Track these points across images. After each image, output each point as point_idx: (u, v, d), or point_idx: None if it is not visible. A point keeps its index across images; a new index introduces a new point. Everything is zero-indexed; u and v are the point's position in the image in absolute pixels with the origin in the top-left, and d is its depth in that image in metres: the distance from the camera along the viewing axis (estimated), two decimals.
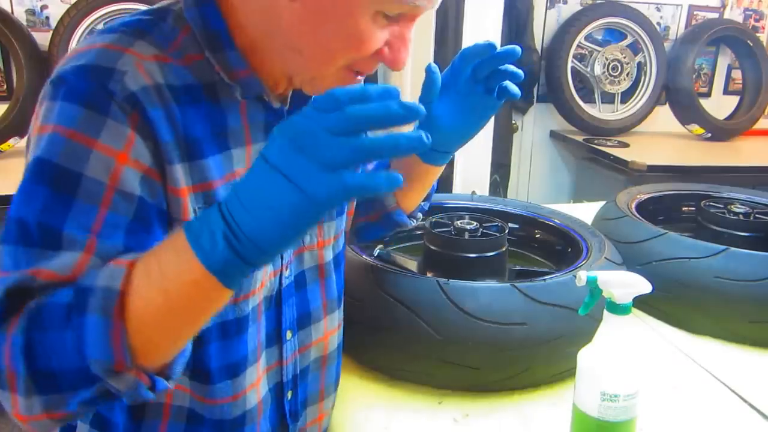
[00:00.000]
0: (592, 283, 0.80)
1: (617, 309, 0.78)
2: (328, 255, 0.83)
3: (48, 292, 0.54)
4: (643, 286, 0.79)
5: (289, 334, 0.79)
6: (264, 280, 0.73)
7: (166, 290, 0.52)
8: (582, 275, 0.81)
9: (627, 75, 3.22)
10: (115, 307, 0.51)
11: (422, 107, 0.49)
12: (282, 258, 0.75)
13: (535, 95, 3.27)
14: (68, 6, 2.48)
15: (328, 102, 0.48)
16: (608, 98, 3.26)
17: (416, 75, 2.50)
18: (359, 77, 0.69)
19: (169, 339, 0.55)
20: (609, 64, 3.18)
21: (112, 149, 0.58)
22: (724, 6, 3.37)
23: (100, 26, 2.50)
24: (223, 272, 0.51)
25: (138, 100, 0.59)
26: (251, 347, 0.73)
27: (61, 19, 2.46)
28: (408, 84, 2.57)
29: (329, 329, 0.86)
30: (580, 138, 3.15)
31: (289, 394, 0.82)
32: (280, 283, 0.76)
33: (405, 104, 0.48)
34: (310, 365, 0.84)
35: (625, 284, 0.79)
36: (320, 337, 0.84)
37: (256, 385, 0.76)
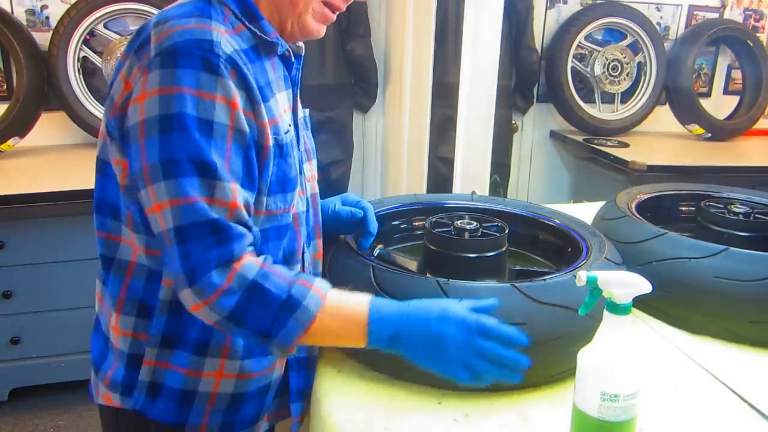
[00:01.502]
0: (592, 283, 0.80)
1: (617, 309, 0.78)
2: (315, 188, 1.04)
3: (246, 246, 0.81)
4: (644, 286, 0.79)
5: (304, 248, 1.00)
6: (296, 199, 0.94)
7: (335, 333, 0.84)
8: (582, 275, 0.81)
9: (627, 75, 3.22)
10: (309, 324, 0.81)
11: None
12: (301, 184, 0.96)
13: (535, 95, 3.27)
14: (68, 6, 2.48)
15: (488, 332, 0.82)
16: (608, 98, 3.26)
17: (416, 75, 2.50)
18: (333, 15, 0.92)
19: (308, 344, 0.88)
20: (609, 64, 3.18)
21: (227, 99, 0.79)
22: (724, 6, 3.37)
23: (100, 26, 2.51)
24: (374, 346, 0.84)
25: (234, 60, 0.80)
26: (295, 247, 0.96)
27: (61, 19, 2.46)
28: (408, 85, 2.57)
29: (319, 251, 1.05)
30: (579, 138, 3.15)
31: None
32: (304, 204, 0.98)
33: (520, 359, 0.84)
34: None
35: (625, 284, 0.79)
36: (315, 254, 1.04)
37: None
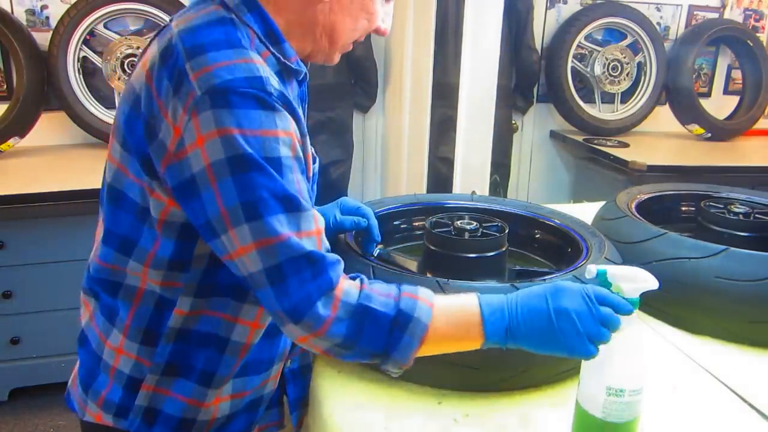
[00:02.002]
0: (602, 276, 0.80)
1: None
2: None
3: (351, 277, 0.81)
4: (651, 282, 0.80)
5: None
6: None
7: (450, 338, 0.81)
8: (592, 268, 0.81)
9: (627, 75, 3.22)
10: (423, 336, 0.78)
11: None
12: None
13: (535, 95, 3.27)
14: (68, 6, 2.48)
15: (604, 300, 0.79)
16: (608, 98, 3.26)
17: (416, 75, 2.50)
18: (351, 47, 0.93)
19: (425, 354, 0.81)
20: (609, 64, 3.18)
21: (287, 131, 0.77)
22: (724, 6, 3.37)
23: (100, 26, 2.51)
24: (493, 342, 0.80)
25: (284, 95, 0.78)
26: None
27: (61, 19, 2.46)
28: (408, 85, 2.57)
29: None
30: (579, 138, 3.15)
31: None
32: None
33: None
34: None
35: (634, 279, 0.79)
36: None
37: None
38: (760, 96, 3.28)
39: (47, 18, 2.55)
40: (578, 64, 3.19)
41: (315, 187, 0.94)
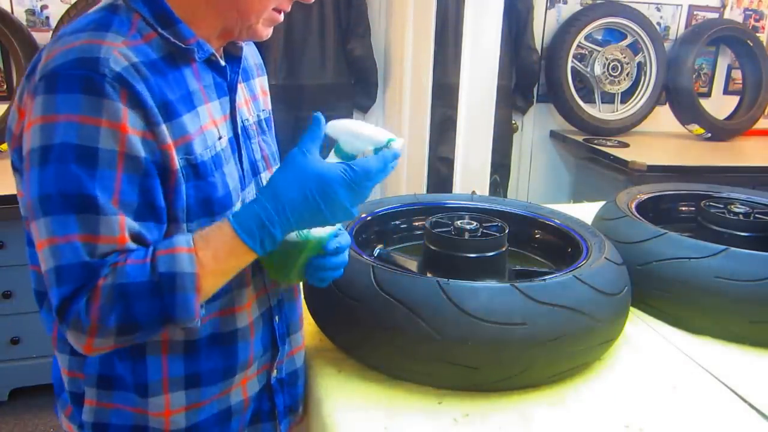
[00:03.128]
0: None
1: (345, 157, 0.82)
2: None
3: (113, 261, 0.72)
4: (380, 138, 0.82)
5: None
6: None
7: (223, 267, 0.76)
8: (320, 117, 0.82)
9: (627, 75, 3.22)
10: (195, 284, 0.73)
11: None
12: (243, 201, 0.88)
13: (535, 95, 3.27)
14: (68, 6, 2.48)
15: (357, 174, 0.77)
16: (608, 98, 3.26)
17: (416, 75, 2.50)
18: (281, 17, 0.87)
19: (215, 290, 0.78)
20: (609, 64, 3.18)
21: (115, 123, 0.72)
22: (724, 6, 3.37)
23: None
24: (260, 246, 0.76)
25: (123, 77, 0.72)
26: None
27: (61, 19, 2.46)
28: (408, 85, 2.57)
29: None
30: (580, 138, 3.15)
31: (276, 318, 0.95)
32: None
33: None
34: (284, 295, 0.97)
35: (358, 136, 0.82)
36: None
37: (246, 307, 0.90)
38: (760, 96, 3.28)
39: (47, 18, 2.55)
40: (578, 64, 3.19)
41: (237, 170, 0.87)
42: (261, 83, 1.02)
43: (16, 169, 0.80)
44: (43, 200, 0.71)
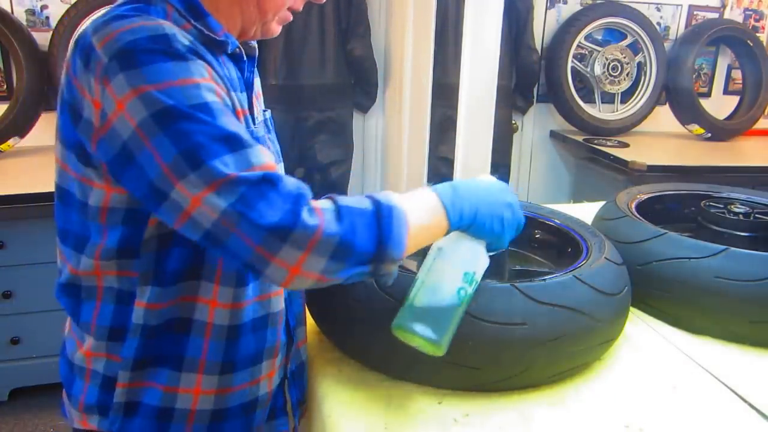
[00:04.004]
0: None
1: None
2: None
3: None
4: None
5: None
6: None
7: (424, 225, 0.81)
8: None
9: (627, 75, 3.22)
10: (407, 221, 0.77)
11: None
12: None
13: (535, 95, 3.27)
14: (68, 6, 2.48)
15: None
16: (608, 98, 3.26)
17: (416, 75, 2.50)
18: (291, 16, 0.91)
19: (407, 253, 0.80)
20: (609, 64, 3.18)
21: (206, 78, 0.74)
22: (724, 6, 3.37)
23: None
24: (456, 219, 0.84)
25: (195, 48, 0.75)
26: None
27: (61, 19, 2.46)
28: (408, 85, 2.57)
29: None
30: (580, 138, 3.15)
31: (287, 310, 0.97)
32: None
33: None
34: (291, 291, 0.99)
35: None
36: None
37: (280, 292, 0.93)
38: (760, 96, 3.28)
39: (47, 18, 2.55)
40: (578, 64, 3.19)
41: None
42: (257, 85, 1.04)
43: (94, 164, 0.78)
44: (188, 154, 0.69)
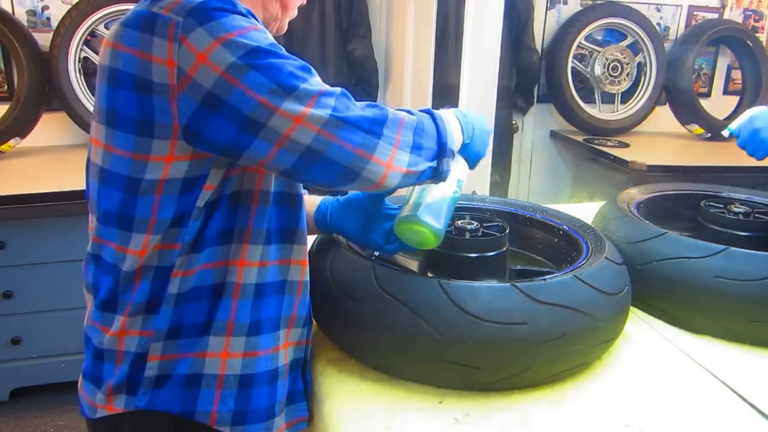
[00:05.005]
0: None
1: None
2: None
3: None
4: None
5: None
6: None
7: (454, 133, 0.95)
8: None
9: (627, 75, 3.22)
10: (451, 127, 0.94)
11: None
12: None
13: (535, 95, 3.27)
14: (69, 7, 2.49)
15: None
16: (608, 98, 3.26)
17: (417, 76, 2.50)
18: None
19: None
20: (609, 64, 3.19)
21: (268, 33, 0.82)
22: (723, 6, 3.37)
23: (101, 27, 2.51)
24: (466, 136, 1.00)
25: (255, 16, 0.84)
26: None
27: (62, 19, 2.47)
28: (408, 86, 2.57)
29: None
30: (580, 138, 3.15)
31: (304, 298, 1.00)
32: None
33: None
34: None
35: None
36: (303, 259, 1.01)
37: (303, 264, 0.97)
38: (760, 96, 3.28)
39: (48, 18, 2.56)
40: (578, 64, 3.19)
41: None
42: None
43: (150, 122, 0.80)
44: (283, 83, 0.77)
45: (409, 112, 0.89)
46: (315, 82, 0.80)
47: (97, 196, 0.88)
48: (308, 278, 0.98)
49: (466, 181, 1.04)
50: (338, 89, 0.82)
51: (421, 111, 0.92)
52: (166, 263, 0.86)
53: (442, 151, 0.90)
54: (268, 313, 0.93)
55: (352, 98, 0.84)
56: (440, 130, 0.90)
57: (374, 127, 0.82)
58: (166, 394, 0.89)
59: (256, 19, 0.83)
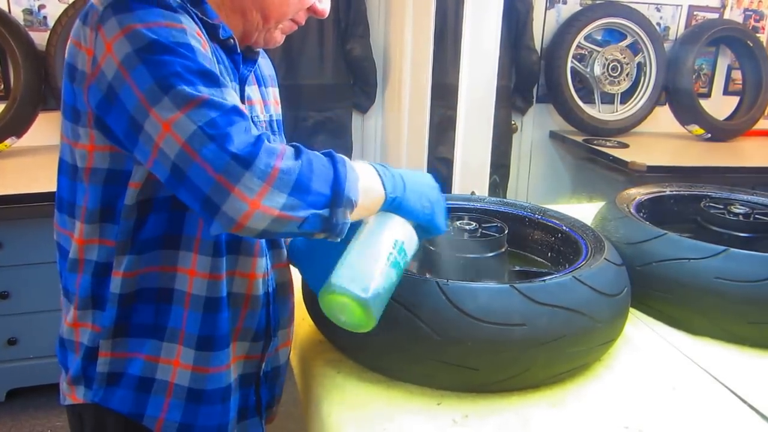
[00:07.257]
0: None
1: None
2: None
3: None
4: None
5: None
6: None
7: (367, 186, 0.81)
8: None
9: (627, 75, 3.22)
10: (355, 174, 0.78)
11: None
12: None
13: (534, 95, 3.27)
14: (66, 6, 2.48)
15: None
16: (608, 99, 3.26)
17: (416, 75, 2.50)
18: (296, 27, 0.95)
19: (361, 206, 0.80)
20: (609, 64, 3.18)
21: (194, 29, 0.76)
22: (724, 6, 3.37)
23: None
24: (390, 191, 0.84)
25: (186, 8, 0.77)
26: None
27: (59, 18, 2.46)
28: (407, 85, 2.56)
29: (284, 261, 1.02)
30: (579, 138, 3.15)
31: (269, 307, 0.97)
32: None
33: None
34: (277, 287, 0.99)
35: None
36: (281, 263, 1.00)
37: (260, 276, 0.94)
38: (760, 96, 3.28)
39: (45, 18, 2.55)
40: (578, 64, 3.19)
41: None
42: (274, 93, 1.07)
43: (81, 111, 0.79)
44: (162, 81, 0.70)
45: (305, 148, 0.77)
46: (206, 90, 0.71)
47: (57, 184, 0.91)
48: (259, 292, 0.94)
49: (413, 248, 0.88)
50: (230, 105, 0.71)
51: (323, 153, 0.78)
52: (104, 259, 0.86)
53: (336, 199, 0.74)
54: (222, 329, 0.90)
55: (246, 119, 0.72)
56: (338, 173, 0.75)
57: (244, 154, 0.69)
58: (120, 394, 0.89)
59: (195, 18, 0.78)
